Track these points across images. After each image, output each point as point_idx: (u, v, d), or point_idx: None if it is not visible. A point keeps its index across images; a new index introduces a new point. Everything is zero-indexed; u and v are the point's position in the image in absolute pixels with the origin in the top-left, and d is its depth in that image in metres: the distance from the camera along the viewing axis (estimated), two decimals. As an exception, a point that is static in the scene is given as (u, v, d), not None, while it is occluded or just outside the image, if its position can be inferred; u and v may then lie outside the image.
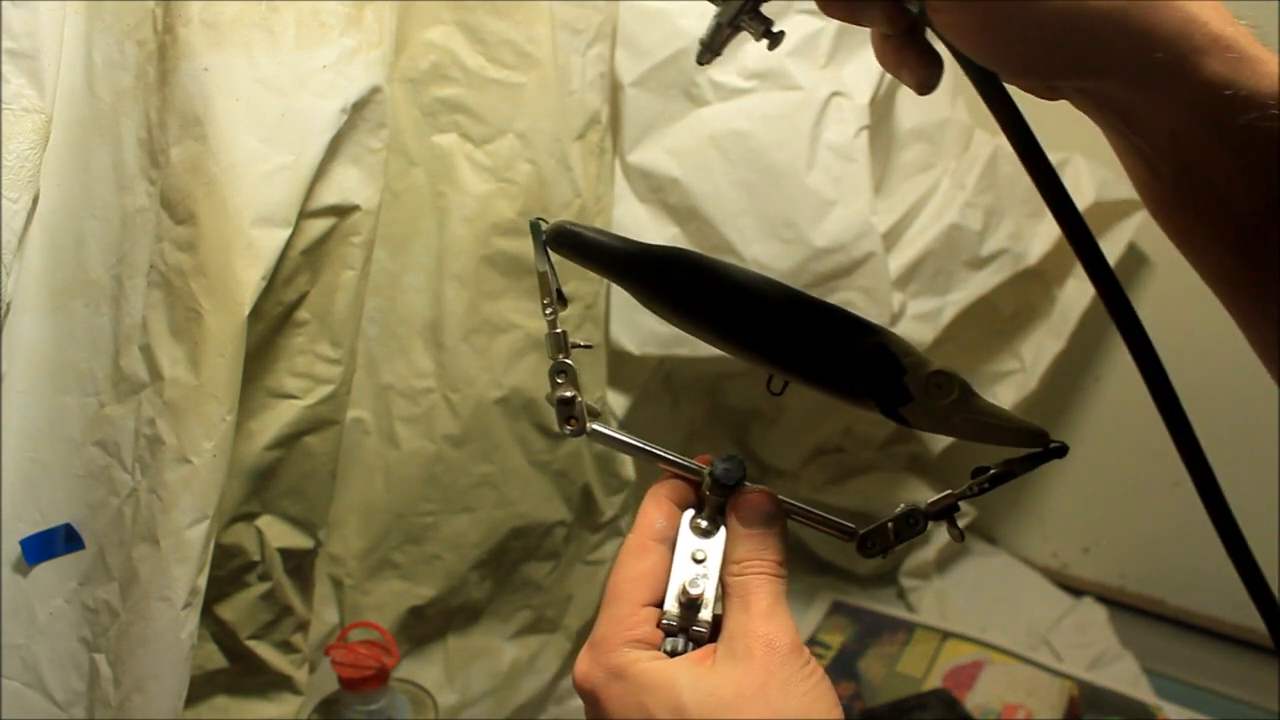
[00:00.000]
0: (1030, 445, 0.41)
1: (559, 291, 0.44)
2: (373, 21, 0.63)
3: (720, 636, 0.39)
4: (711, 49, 0.43)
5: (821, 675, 0.37)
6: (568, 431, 0.44)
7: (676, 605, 0.40)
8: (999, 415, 0.41)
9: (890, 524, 0.43)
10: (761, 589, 0.39)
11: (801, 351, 0.42)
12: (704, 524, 0.42)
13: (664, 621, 0.40)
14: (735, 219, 0.81)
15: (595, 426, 0.44)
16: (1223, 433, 0.98)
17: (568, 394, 0.43)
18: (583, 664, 0.39)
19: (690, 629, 0.40)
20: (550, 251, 0.44)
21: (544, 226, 0.44)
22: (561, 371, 0.43)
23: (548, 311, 0.44)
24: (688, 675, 0.36)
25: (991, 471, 0.42)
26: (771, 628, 0.37)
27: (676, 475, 0.44)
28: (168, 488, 0.57)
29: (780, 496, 0.43)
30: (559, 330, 0.44)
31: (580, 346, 0.44)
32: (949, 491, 0.43)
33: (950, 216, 0.87)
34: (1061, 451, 0.41)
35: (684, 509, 0.43)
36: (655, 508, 0.42)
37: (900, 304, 0.85)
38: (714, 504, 0.43)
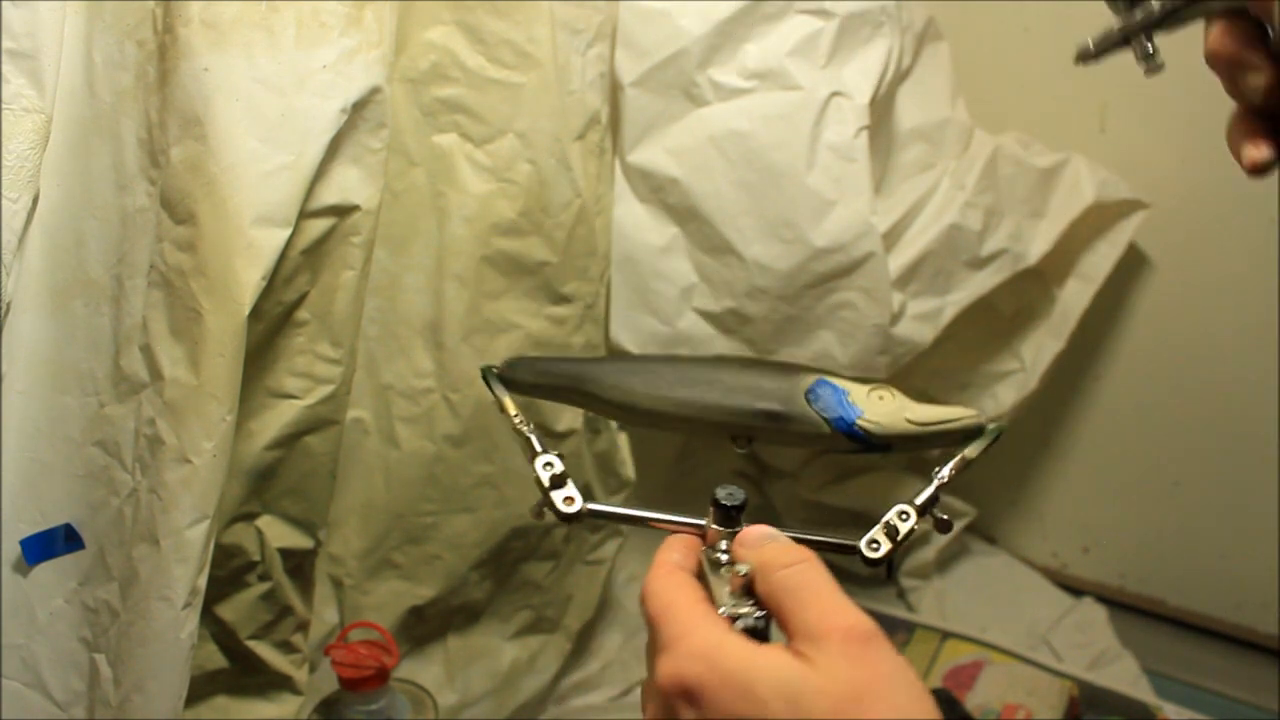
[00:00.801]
0: (971, 439, 0.44)
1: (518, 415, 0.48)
2: (373, 21, 0.63)
3: (796, 636, 0.36)
4: (1096, 54, 0.44)
5: (905, 664, 0.36)
6: (566, 513, 0.44)
7: (730, 596, 0.39)
8: (936, 416, 0.44)
9: (883, 528, 0.44)
10: (808, 580, 0.37)
11: (754, 411, 0.45)
12: (721, 557, 0.42)
13: (725, 610, 0.38)
14: (735, 219, 0.81)
15: (591, 506, 0.45)
16: (1223, 432, 0.99)
17: (559, 472, 0.45)
18: (667, 665, 0.36)
19: (755, 615, 0.38)
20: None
21: (494, 370, 0.50)
22: (548, 463, 0.45)
23: (516, 420, 0.47)
24: (793, 668, 0.34)
25: (953, 461, 0.44)
26: (848, 618, 0.35)
27: (680, 532, 0.44)
28: (168, 488, 0.57)
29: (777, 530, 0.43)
30: (530, 434, 0.47)
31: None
32: (927, 483, 0.44)
33: (950, 216, 0.87)
34: (998, 434, 0.44)
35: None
36: (666, 549, 0.42)
37: (900, 304, 0.85)
38: (727, 536, 0.43)
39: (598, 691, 0.93)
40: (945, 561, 1.11)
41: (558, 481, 0.44)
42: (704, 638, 0.36)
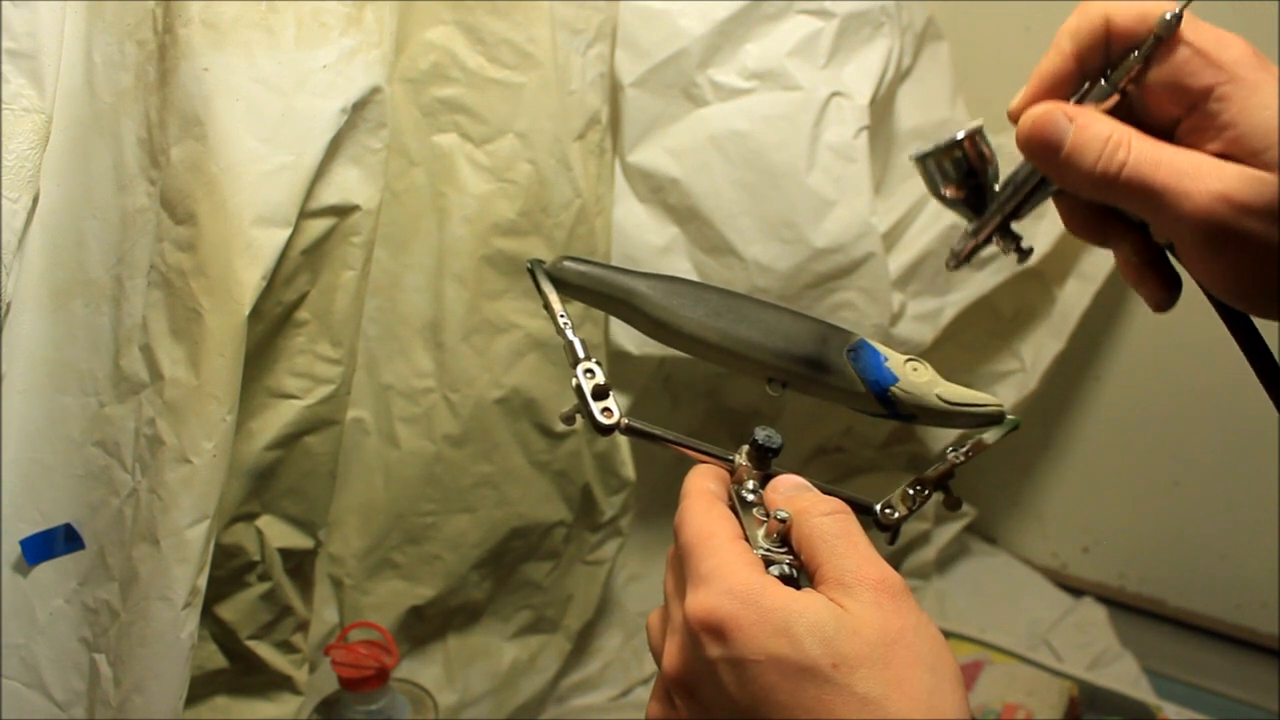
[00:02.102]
0: (989, 425, 0.45)
1: (564, 314, 0.45)
2: (373, 21, 0.63)
3: (827, 582, 0.37)
4: (961, 259, 0.45)
5: (930, 620, 0.36)
6: (603, 424, 0.43)
7: (765, 539, 0.39)
8: (964, 397, 0.45)
9: (899, 495, 0.46)
10: (847, 530, 0.38)
11: (796, 355, 0.45)
12: (750, 496, 0.42)
13: (761, 552, 0.38)
14: (735, 219, 0.81)
15: (629, 421, 0.44)
16: (1222, 432, 0.99)
17: (602, 382, 0.43)
18: (706, 598, 0.35)
19: (789, 561, 0.38)
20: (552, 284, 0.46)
21: (543, 265, 0.46)
22: (589, 371, 0.43)
23: (562, 320, 0.45)
24: (830, 610, 0.34)
25: (967, 446, 0.45)
26: (881, 571, 0.36)
27: (712, 463, 0.44)
28: (168, 488, 0.57)
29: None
30: (574, 338, 0.44)
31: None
32: (942, 461, 0.46)
33: (950, 216, 0.87)
34: (1015, 425, 0.45)
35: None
36: (702, 477, 0.42)
37: (900, 304, 0.85)
38: (757, 477, 0.43)
39: (598, 691, 0.93)
40: (945, 561, 1.11)
41: (599, 392, 0.43)
42: (743, 578, 0.36)
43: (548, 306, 0.45)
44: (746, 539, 0.39)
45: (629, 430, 0.44)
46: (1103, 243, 0.43)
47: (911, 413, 0.45)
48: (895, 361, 0.45)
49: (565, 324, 0.44)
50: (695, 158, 0.81)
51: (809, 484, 0.42)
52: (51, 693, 0.60)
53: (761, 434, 0.43)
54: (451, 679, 0.84)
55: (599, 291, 0.46)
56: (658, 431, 0.45)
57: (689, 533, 0.39)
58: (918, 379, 0.45)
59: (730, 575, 0.36)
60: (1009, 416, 0.45)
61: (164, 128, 0.58)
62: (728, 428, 1.07)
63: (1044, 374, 0.99)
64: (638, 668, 0.95)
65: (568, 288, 0.46)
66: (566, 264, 0.46)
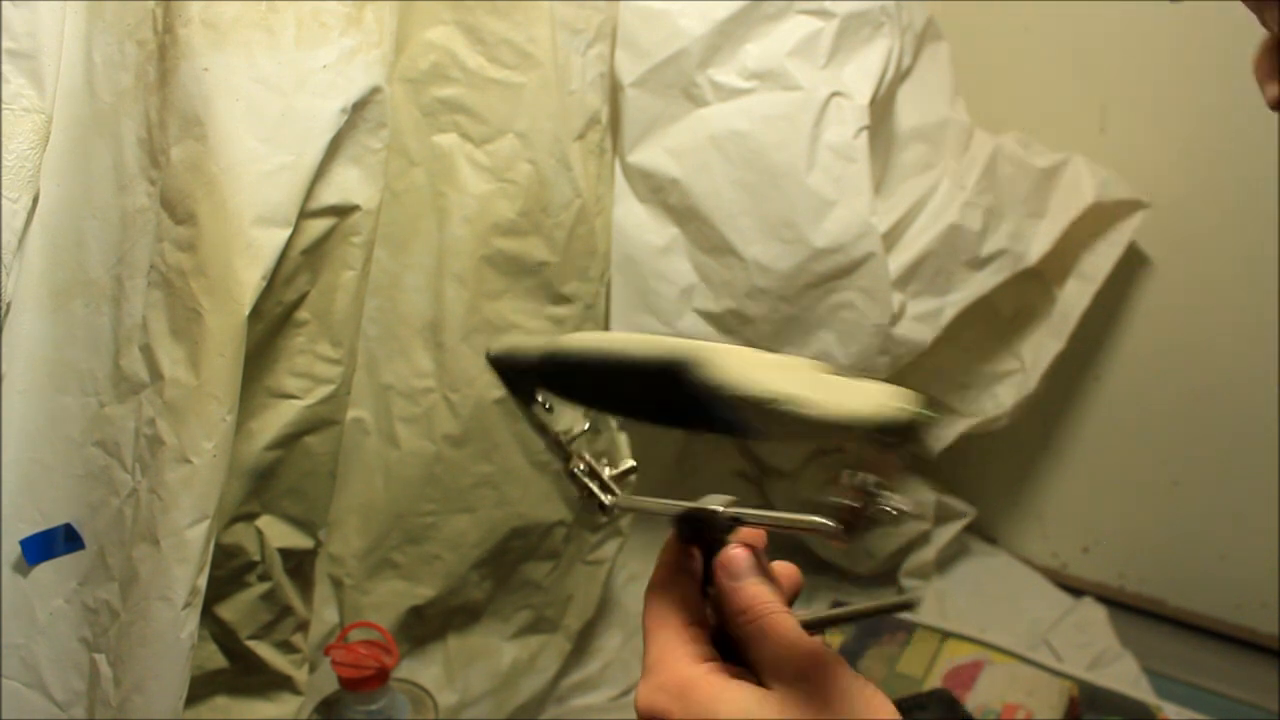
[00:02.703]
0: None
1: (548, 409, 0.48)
2: (373, 21, 0.63)
3: (758, 671, 0.38)
4: None
5: (866, 682, 0.37)
6: (598, 510, 0.47)
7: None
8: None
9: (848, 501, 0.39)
10: (762, 631, 0.39)
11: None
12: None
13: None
14: (735, 219, 0.81)
15: (616, 501, 0.47)
16: (1222, 432, 0.99)
17: (590, 470, 0.47)
18: (644, 692, 0.38)
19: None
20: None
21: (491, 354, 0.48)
22: (572, 474, 0.47)
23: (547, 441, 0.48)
24: (754, 698, 0.36)
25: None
26: (798, 664, 0.37)
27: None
28: (168, 488, 0.57)
29: (746, 510, 0.42)
30: (562, 444, 0.48)
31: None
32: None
33: (950, 216, 0.87)
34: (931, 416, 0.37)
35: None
36: (676, 543, 0.43)
37: (900, 304, 0.85)
38: (722, 542, 0.42)
39: (598, 691, 0.93)
40: (945, 561, 1.11)
41: (589, 481, 0.48)
42: (677, 673, 0.38)
43: (541, 425, 0.48)
44: (703, 618, 0.40)
45: (618, 509, 0.47)
46: (1261, 12, 0.41)
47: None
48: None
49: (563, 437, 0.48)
50: (695, 158, 0.81)
51: (746, 569, 0.40)
52: (51, 693, 0.60)
53: (719, 512, 0.41)
54: (451, 679, 0.84)
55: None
56: (646, 505, 0.46)
57: (647, 616, 0.41)
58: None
59: (667, 669, 0.38)
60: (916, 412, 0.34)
61: (164, 128, 0.58)
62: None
63: (1044, 374, 0.99)
64: (637, 668, 0.94)
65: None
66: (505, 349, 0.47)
